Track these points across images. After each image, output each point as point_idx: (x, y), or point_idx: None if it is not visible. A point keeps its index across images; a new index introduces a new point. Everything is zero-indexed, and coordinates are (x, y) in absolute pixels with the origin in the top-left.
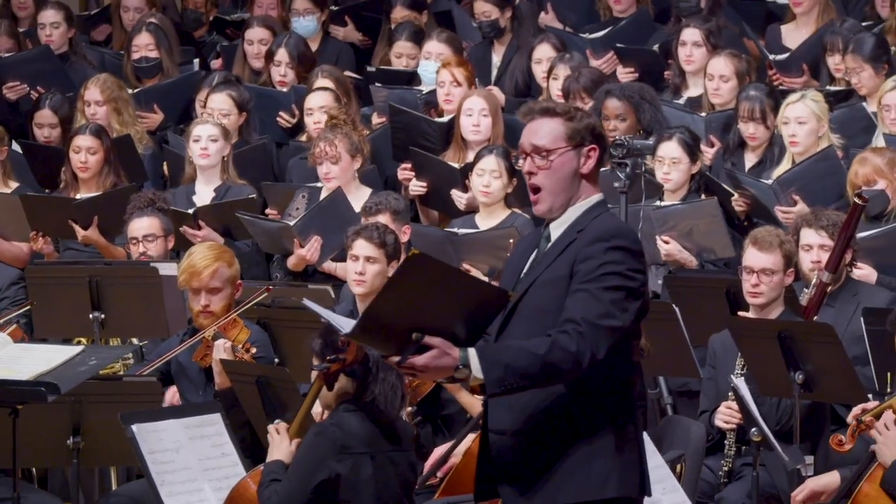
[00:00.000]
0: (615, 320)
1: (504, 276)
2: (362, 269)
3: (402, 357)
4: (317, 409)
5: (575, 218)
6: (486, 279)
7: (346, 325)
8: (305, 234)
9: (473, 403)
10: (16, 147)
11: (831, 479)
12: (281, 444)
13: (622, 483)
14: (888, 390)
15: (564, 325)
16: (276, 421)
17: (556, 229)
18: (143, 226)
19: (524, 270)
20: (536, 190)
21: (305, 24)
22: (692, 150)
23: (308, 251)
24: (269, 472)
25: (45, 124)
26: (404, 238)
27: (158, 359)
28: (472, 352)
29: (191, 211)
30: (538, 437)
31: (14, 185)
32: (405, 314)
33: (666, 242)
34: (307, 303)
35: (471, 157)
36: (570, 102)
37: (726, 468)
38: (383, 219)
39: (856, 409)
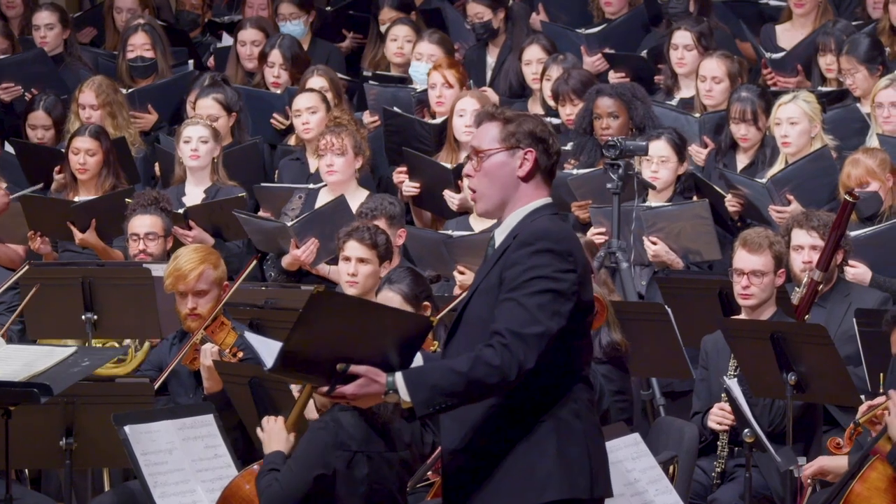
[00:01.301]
0: (540, 326)
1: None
2: (354, 270)
3: (330, 387)
4: (309, 413)
5: (515, 223)
6: (404, 309)
7: (269, 360)
8: (303, 236)
9: None
10: (7, 148)
11: (841, 461)
12: (279, 435)
13: (566, 484)
14: (880, 390)
15: (491, 339)
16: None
17: (499, 235)
18: (145, 223)
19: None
20: (472, 191)
21: (292, 28)
22: (680, 150)
23: (304, 252)
24: (268, 462)
25: (38, 125)
26: (399, 242)
27: (160, 374)
28: (398, 376)
29: (181, 211)
30: (484, 448)
31: (3, 185)
32: (325, 347)
33: (654, 243)
34: (247, 335)
35: (463, 157)
36: (560, 104)
37: (719, 469)
38: (379, 224)
39: (863, 407)
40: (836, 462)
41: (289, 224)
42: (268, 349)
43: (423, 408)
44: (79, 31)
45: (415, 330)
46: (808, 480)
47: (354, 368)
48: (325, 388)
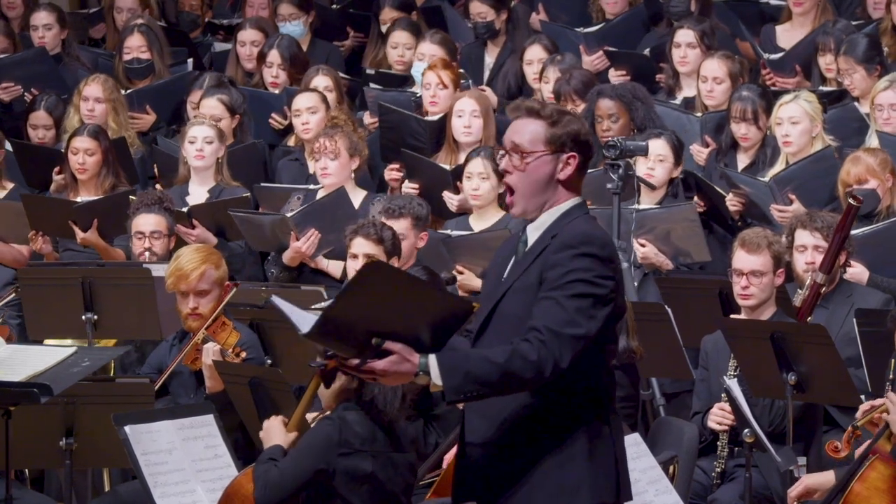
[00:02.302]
0: (579, 328)
1: (486, 279)
2: None
3: (361, 360)
4: (311, 414)
5: (551, 222)
6: (448, 291)
7: (304, 325)
8: (302, 227)
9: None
10: (7, 147)
11: (827, 477)
12: (279, 431)
13: (595, 491)
14: (888, 388)
15: (528, 334)
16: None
17: (533, 233)
18: (150, 222)
19: (504, 275)
20: (511, 190)
21: (292, 28)
22: (678, 152)
23: (304, 243)
24: (267, 452)
25: (39, 125)
26: (421, 244)
27: (160, 375)
28: (432, 358)
29: (185, 209)
30: (511, 447)
31: (10, 185)
32: (365, 318)
33: (642, 245)
34: (275, 300)
35: (462, 158)
36: (562, 104)
37: (719, 469)
38: (404, 223)
39: (864, 406)
40: (821, 479)
41: (288, 215)
42: (299, 315)
43: (454, 393)
44: (92, 28)
45: (455, 313)
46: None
47: (389, 345)
48: (356, 361)
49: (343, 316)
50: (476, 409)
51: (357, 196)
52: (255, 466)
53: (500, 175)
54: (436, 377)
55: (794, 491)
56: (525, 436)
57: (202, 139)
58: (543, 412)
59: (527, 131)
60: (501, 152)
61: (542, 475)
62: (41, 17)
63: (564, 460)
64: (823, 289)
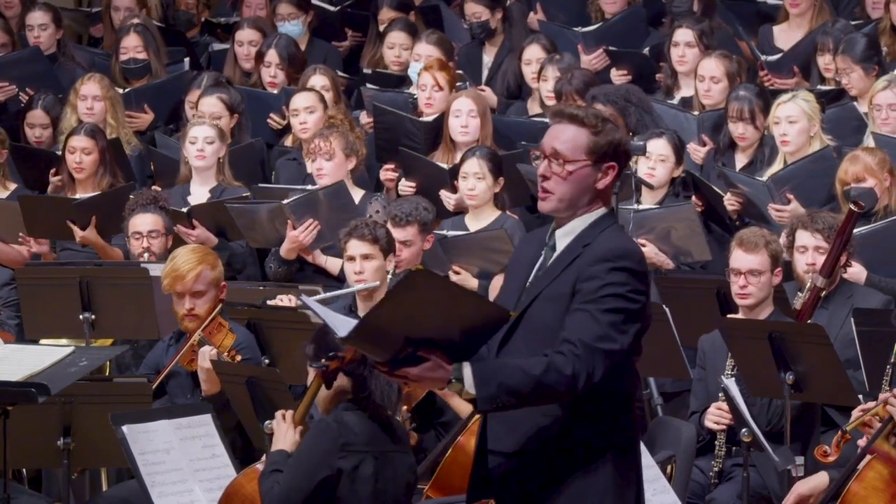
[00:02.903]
0: (613, 343)
1: (507, 282)
2: (360, 268)
3: (394, 365)
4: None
5: (581, 230)
6: (487, 298)
7: (342, 328)
8: (300, 216)
9: (465, 409)
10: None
11: (819, 480)
12: (287, 434)
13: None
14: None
15: (561, 346)
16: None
17: (562, 240)
18: (147, 222)
19: (529, 281)
20: (546, 190)
21: (290, 28)
22: (679, 152)
23: (302, 232)
24: (272, 463)
25: (36, 124)
26: (427, 246)
27: (157, 375)
28: (466, 367)
29: (185, 209)
30: (535, 455)
31: (13, 186)
32: (403, 324)
33: (643, 245)
34: (309, 302)
35: (459, 158)
36: (563, 103)
37: (716, 469)
38: (411, 230)
39: (855, 412)
40: (812, 483)
41: (285, 202)
42: (336, 319)
43: (486, 403)
44: (93, 26)
45: (492, 321)
46: None
47: (424, 352)
48: (388, 365)
49: (383, 321)
50: (500, 420)
51: (355, 195)
52: (260, 479)
53: (497, 174)
54: (469, 386)
55: (787, 501)
56: (550, 445)
57: (203, 139)
58: (570, 421)
59: (569, 139)
60: (537, 154)
61: (566, 485)
62: (36, 17)
63: (590, 471)
64: (823, 292)
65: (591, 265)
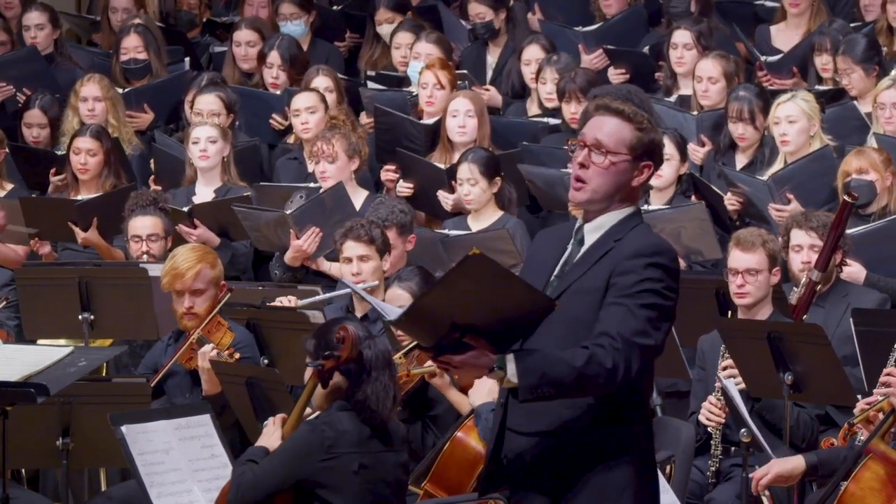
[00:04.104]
0: (650, 339)
1: (528, 273)
2: (357, 269)
3: (438, 350)
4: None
5: (612, 225)
6: (535, 288)
7: (391, 312)
8: (302, 225)
9: (462, 402)
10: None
11: (796, 463)
12: (272, 435)
13: (638, 497)
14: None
15: (600, 339)
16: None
17: (591, 234)
18: (146, 224)
19: (553, 274)
20: (581, 180)
21: (293, 28)
22: (682, 150)
23: (305, 241)
24: (248, 453)
25: (34, 124)
26: (409, 247)
27: (155, 374)
28: (510, 357)
29: (186, 209)
30: (557, 449)
31: (9, 186)
32: (451, 309)
33: None
34: (355, 287)
35: (457, 158)
36: (566, 101)
37: (713, 468)
38: (390, 234)
39: (860, 404)
40: (790, 465)
41: (287, 212)
42: (383, 305)
43: (527, 392)
44: (96, 33)
45: (538, 310)
46: (766, 492)
47: (470, 339)
48: (432, 350)
49: (434, 305)
50: (524, 407)
51: (359, 196)
52: (233, 467)
53: (490, 177)
54: (512, 375)
55: (763, 479)
56: (572, 436)
57: (205, 139)
58: (591, 412)
59: (613, 131)
60: (575, 143)
61: (585, 478)
62: (33, 18)
63: (611, 466)
64: (819, 287)
65: (627, 259)
